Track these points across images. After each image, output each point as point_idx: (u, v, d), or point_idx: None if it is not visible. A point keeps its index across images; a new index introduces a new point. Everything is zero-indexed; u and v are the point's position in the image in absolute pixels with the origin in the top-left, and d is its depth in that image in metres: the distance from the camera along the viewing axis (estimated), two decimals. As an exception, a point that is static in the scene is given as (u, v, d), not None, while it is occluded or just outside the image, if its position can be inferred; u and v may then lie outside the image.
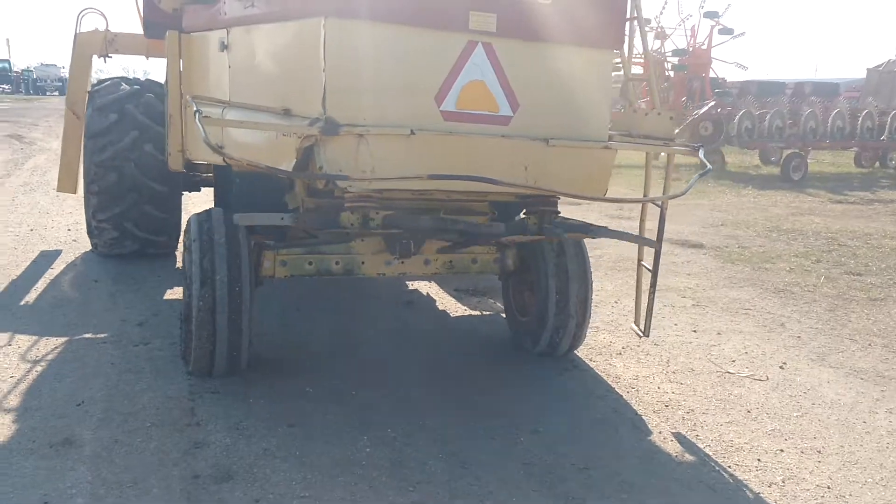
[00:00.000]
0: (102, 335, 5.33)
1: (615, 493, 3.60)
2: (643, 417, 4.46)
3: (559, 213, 4.47)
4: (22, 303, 6.02)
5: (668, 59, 21.35)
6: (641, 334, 5.04)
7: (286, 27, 3.95)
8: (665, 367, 5.29)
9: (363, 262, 4.91)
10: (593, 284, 5.23)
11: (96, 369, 4.71)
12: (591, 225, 4.60)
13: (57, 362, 4.80)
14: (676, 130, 4.34)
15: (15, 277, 6.70)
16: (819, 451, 4.12)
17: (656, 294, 6.88)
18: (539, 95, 3.93)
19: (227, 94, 4.83)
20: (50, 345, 5.09)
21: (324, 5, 3.52)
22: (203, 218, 4.58)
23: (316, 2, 3.57)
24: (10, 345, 5.06)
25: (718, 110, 18.30)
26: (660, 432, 4.28)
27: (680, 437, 4.21)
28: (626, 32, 4.57)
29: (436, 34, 3.70)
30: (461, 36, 3.72)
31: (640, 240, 4.68)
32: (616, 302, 6.86)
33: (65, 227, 8.95)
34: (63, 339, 5.19)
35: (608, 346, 5.67)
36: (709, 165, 4.09)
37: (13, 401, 4.22)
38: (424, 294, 6.83)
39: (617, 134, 4.41)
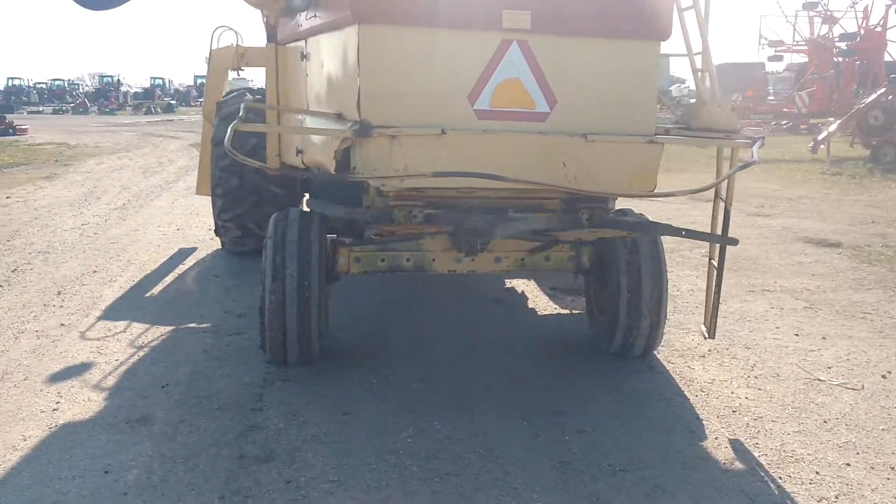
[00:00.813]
0: (205, 325, 5.81)
1: (643, 497, 3.51)
2: (703, 422, 4.28)
3: (610, 208, 4.36)
4: (147, 294, 6.67)
5: (836, 44, 19.85)
6: (707, 335, 4.82)
7: (336, 36, 4.16)
8: (748, 371, 5.02)
9: (433, 259, 5.04)
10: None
11: (189, 356, 5.16)
12: (642, 222, 4.46)
13: (158, 348, 5.30)
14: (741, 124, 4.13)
15: (149, 272, 7.41)
16: (893, 468, 3.79)
17: (764, 295, 6.60)
18: (578, 91, 3.88)
19: (306, 101, 5.12)
20: (158, 332, 5.62)
21: (358, 13, 3.68)
22: (280, 217, 4.89)
23: (352, 10, 3.73)
24: (124, 332, 5.63)
25: (890, 97, 16.80)
26: (716, 438, 4.09)
27: (736, 445, 4.01)
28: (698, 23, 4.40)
29: (469, 35, 3.77)
30: (495, 35, 3.76)
31: (688, 234, 4.47)
32: (721, 304, 6.53)
33: (207, 227, 9.72)
34: (170, 328, 5.71)
35: (694, 348, 5.45)
36: (754, 157, 3.85)
37: (110, 381, 4.72)
38: (519, 292, 6.86)
39: (673, 127, 4.26)
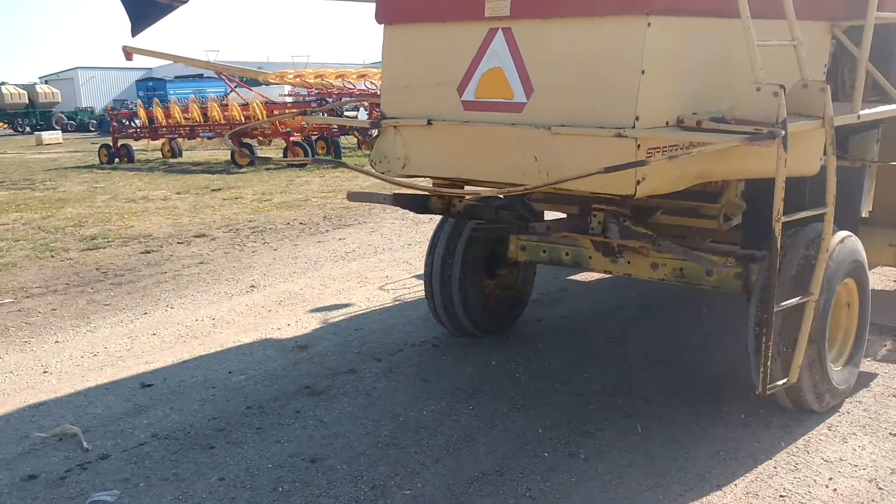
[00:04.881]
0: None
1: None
2: (722, 494, 3.38)
3: (626, 213, 3.66)
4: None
5: None
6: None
7: None
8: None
9: (590, 257, 4.92)
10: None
11: (409, 314, 6.06)
12: (663, 236, 3.63)
13: (404, 305, 6.36)
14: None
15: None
16: None
17: None
18: (555, 78, 3.50)
19: None
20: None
21: (379, 16, 4.10)
22: None
23: (376, 14, 4.14)
24: (407, 289, 6.82)
25: None
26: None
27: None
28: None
29: (459, 27, 3.80)
30: (482, 25, 3.70)
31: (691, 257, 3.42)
32: None
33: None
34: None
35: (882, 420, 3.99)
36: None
37: (338, 319, 6.01)
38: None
39: (706, 119, 3.35)
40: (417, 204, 4.58)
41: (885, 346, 5.10)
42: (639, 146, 3.29)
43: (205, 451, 3.94)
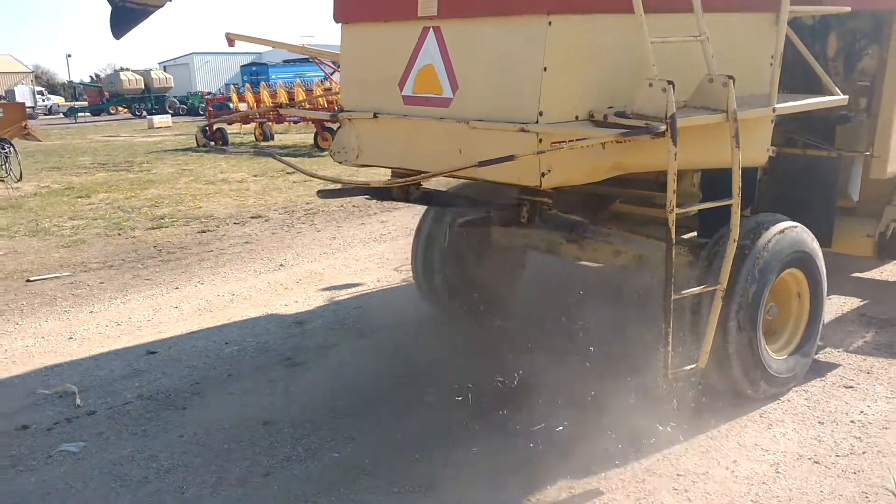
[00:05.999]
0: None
1: None
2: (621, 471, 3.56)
3: (548, 203, 3.83)
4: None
5: None
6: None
7: None
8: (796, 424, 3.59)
9: (561, 244, 5.10)
10: None
11: (417, 295, 6.36)
12: (583, 223, 3.77)
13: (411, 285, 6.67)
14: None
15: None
16: None
17: None
18: (475, 75, 3.71)
19: None
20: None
21: (337, 16, 4.41)
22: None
23: (333, 14, 4.45)
24: (420, 270, 7.12)
25: None
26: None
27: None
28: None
29: (399, 26, 4.05)
30: (417, 24, 3.94)
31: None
32: None
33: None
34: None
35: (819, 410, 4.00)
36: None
37: (343, 298, 6.40)
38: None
39: (611, 113, 3.48)
40: (381, 193, 4.87)
41: (864, 337, 5.04)
42: (540, 140, 3.47)
43: (177, 411, 4.40)
